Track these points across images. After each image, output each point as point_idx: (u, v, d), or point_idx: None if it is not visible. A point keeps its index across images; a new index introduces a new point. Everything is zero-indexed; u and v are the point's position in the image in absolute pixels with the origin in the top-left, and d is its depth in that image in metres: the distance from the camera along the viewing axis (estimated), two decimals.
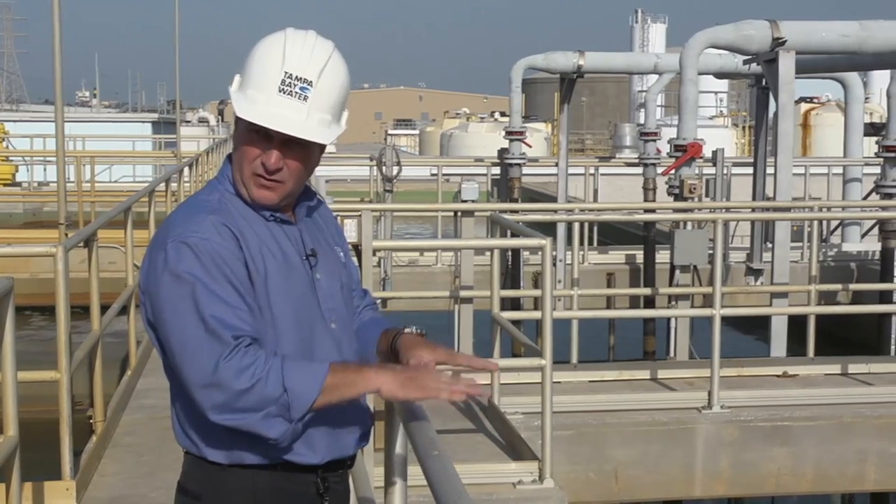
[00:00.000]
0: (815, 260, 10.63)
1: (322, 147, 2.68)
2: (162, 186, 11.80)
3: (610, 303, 14.27)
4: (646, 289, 13.81)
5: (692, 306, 10.44)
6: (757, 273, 14.60)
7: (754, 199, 14.44)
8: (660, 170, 16.33)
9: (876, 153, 12.48)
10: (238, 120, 2.64)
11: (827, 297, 12.56)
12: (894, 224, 11.73)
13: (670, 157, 11.46)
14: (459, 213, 9.94)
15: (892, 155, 11.49)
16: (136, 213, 8.34)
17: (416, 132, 64.75)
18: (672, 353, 10.70)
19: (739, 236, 16.42)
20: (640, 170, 17.75)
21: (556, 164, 16.69)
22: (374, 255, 6.87)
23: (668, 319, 11.87)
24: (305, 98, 2.58)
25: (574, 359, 9.61)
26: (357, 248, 5.96)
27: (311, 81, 2.58)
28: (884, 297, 11.23)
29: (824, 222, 16.18)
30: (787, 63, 10.80)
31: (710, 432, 7.64)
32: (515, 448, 6.53)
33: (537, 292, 7.81)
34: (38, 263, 12.26)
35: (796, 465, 7.73)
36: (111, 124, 36.48)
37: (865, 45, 11.74)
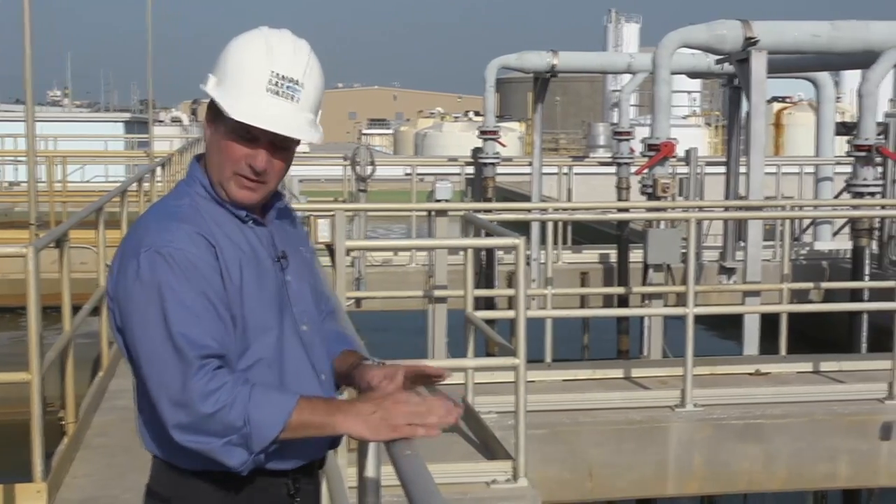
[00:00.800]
0: (787, 258, 10.69)
1: (297, 146, 2.67)
2: (134, 186, 11.74)
3: (584, 302, 14.31)
4: (619, 288, 13.85)
5: (665, 305, 10.47)
6: (730, 272, 14.68)
7: (727, 198, 14.50)
8: (633, 169, 16.40)
9: (847, 152, 12.54)
10: (216, 120, 2.60)
11: (799, 296, 12.62)
12: (865, 223, 11.80)
13: (643, 156, 11.50)
14: (433, 213, 9.94)
15: (863, 154, 11.54)
16: (108, 213, 8.30)
17: (391, 132, 64.71)
18: (645, 352, 10.73)
19: (712, 235, 16.51)
20: (613, 169, 17.81)
21: (530, 164, 16.71)
22: (347, 254, 6.85)
23: (642, 318, 11.90)
24: (294, 98, 2.55)
25: (548, 358, 9.65)
26: (330, 248, 5.95)
27: (298, 81, 2.55)
28: (855, 296, 11.30)
29: (796, 221, 16.27)
30: (759, 63, 10.86)
31: (684, 431, 7.67)
32: (489, 447, 6.54)
33: (511, 292, 7.79)
34: (9, 264, 12.18)
35: (769, 463, 7.77)
36: (83, 124, 36.22)
37: (836, 45, 11.83)
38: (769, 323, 10.35)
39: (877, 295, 11.01)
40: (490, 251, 14.49)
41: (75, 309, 6.66)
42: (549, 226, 12.07)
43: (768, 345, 10.20)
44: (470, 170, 17.28)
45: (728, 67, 12.81)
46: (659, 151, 10.96)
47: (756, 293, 10.66)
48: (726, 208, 13.02)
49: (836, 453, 7.83)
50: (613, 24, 58.43)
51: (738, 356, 10.05)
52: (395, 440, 2.42)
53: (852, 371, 8.57)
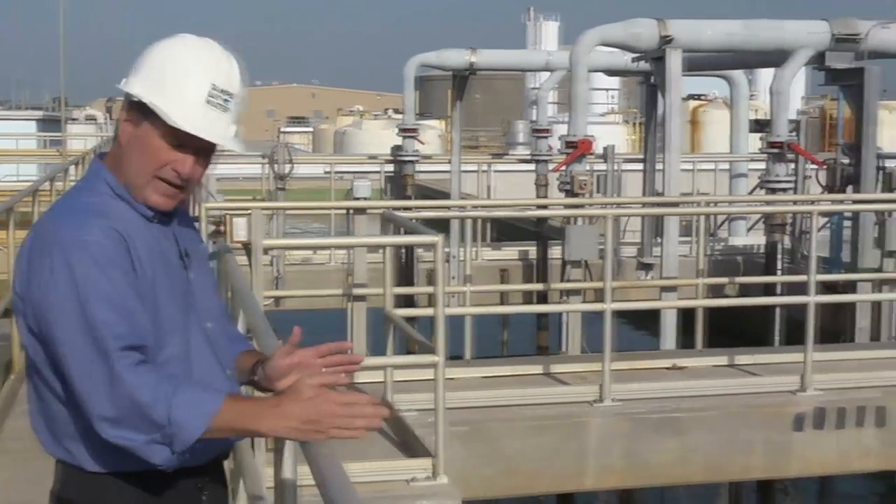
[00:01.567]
0: (703, 254, 10.83)
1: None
2: (46, 186, 11.52)
3: (503, 299, 14.35)
4: (538, 284, 13.91)
5: (584, 301, 10.54)
6: (648, 267, 14.83)
7: (644, 194, 14.65)
8: (551, 166, 16.49)
9: (760, 149, 12.77)
10: (140, 122, 2.60)
11: (715, 290, 12.79)
12: (778, 218, 12.02)
13: (561, 153, 11.58)
14: (352, 211, 9.90)
15: (776, 151, 11.76)
16: (20, 213, 8.12)
17: (310, 130, 64.38)
18: (564, 348, 10.80)
19: (631, 231, 16.66)
20: (533, 166, 17.90)
21: (450, 161, 16.74)
22: (266, 253, 6.79)
23: (561, 314, 11.98)
24: (227, 109, 2.63)
25: (468, 355, 9.66)
26: (247, 247, 5.90)
27: (232, 94, 2.64)
28: (769, 290, 11.49)
29: (712, 217, 16.50)
30: (674, 61, 11.00)
31: (602, 425, 7.73)
32: (409, 445, 6.53)
33: (431, 289, 7.77)
34: None
35: (686, 456, 7.86)
36: None
37: (750, 44, 12.03)
38: (686, 317, 10.49)
39: (790, 289, 11.20)
40: (410, 249, 14.48)
41: None
42: (468, 223, 12.08)
43: (686, 339, 10.33)
44: (390, 168, 17.26)
45: (645, 65, 12.96)
46: (576, 149, 11.04)
47: (673, 288, 10.79)
48: (643, 205, 13.16)
49: (750, 445, 7.95)
50: (532, 23, 58.77)
51: (655, 351, 10.16)
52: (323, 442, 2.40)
53: (766, 364, 8.69)
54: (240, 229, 5.86)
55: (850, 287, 11.43)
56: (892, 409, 8.12)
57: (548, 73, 18.98)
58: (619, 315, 9.22)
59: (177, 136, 2.58)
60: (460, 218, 12.95)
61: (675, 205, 11.21)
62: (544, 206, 13.47)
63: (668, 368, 8.68)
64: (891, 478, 9.97)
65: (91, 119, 47.91)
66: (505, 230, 18.69)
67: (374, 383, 7.25)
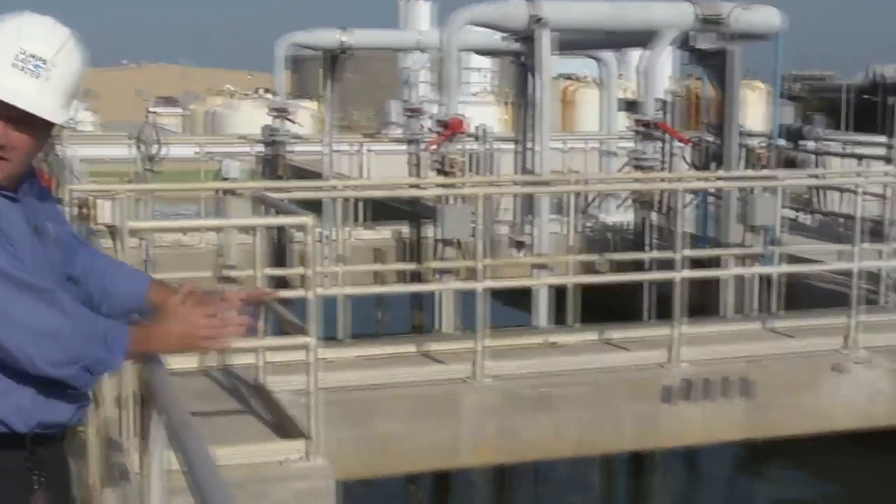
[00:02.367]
0: (573, 231, 10.96)
1: (48, 129, 2.65)
2: None
3: (378, 278, 14.32)
4: (412, 263, 13.91)
5: (458, 279, 10.59)
6: (521, 245, 14.95)
7: (517, 173, 14.75)
8: (423, 146, 16.50)
9: (628, 127, 12.99)
10: None
11: (587, 267, 12.95)
12: (648, 196, 12.24)
13: (433, 132, 11.59)
14: (222, 192, 9.76)
15: (644, 130, 11.97)
16: None
17: (181, 110, 63.21)
18: (439, 327, 10.84)
19: (504, 210, 16.76)
20: (406, 146, 17.89)
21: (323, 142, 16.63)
22: (133, 236, 6.65)
23: (435, 293, 12.01)
24: (38, 76, 2.56)
25: (342, 335, 9.63)
26: (112, 231, 5.77)
27: (45, 60, 2.56)
28: (639, 266, 11.69)
29: (583, 195, 16.70)
30: (544, 41, 11.09)
31: (477, 402, 7.79)
32: (283, 427, 6.49)
33: (303, 270, 7.70)
34: None
35: (559, 431, 7.98)
36: None
37: (619, 24, 12.21)
38: (559, 294, 10.61)
39: (659, 265, 11.41)
40: (282, 230, 14.34)
41: None
42: (339, 203, 12.02)
43: (559, 315, 10.45)
44: (261, 148, 17.05)
45: (516, 45, 13.04)
46: (447, 128, 11.07)
47: (545, 266, 10.90)
48: (515, 183, 13.26)
49: (621, 418, 8.11)
50: (405, 2, 58.64)
51: (529, 328, 10.27)
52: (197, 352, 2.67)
53: (637, 338, 8.87)
54: (104, 212, 5.72)
55: (716, 262, 11.69)
56: (756, 381, 8.36)
57: (421, 54, 19.00)
58: (494, 293, 9.28)
59: None
60: (333, 198, 12.87)
61: (547, 183, 11.32)
62: (417, 186, 13.47)
63: (541, 345, 8.79)
64: (755, 448, 10.26)
65: None
66: (379, 210, 18.64)
67: (248, 365, 7.18)
